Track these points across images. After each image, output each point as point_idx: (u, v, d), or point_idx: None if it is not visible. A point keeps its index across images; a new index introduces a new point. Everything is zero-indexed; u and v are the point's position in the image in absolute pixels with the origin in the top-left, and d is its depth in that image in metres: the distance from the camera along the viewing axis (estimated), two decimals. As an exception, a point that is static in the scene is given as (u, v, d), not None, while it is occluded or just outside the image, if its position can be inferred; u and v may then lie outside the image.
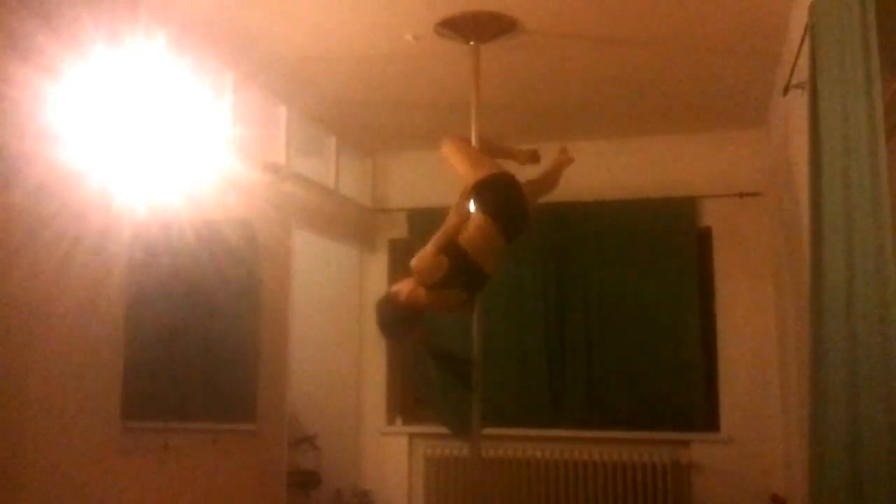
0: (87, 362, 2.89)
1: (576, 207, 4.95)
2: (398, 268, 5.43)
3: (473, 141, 3.37)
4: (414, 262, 2.91)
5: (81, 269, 2.83)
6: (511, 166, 3.36)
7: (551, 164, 3.57)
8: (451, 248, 2.93)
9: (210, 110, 3.64)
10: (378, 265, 5.38)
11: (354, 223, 5.22)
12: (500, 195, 3.09)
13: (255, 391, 4.03)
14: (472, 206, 3.10)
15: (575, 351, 4.90)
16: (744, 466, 4.60)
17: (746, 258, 4.78)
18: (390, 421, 5.24)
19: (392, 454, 5.16)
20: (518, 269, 4.89)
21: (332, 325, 5.29)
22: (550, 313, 4.93)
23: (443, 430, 5.00)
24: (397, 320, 3.00)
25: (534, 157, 3.57)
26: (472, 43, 3.39)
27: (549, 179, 3.57)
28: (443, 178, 3.55)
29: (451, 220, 3.01)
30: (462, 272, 2.95)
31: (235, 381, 3.95)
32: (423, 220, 4.76)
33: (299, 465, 4.94)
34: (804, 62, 2.73)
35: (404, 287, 2.96)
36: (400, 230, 5.29)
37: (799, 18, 2.90)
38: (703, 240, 4.86)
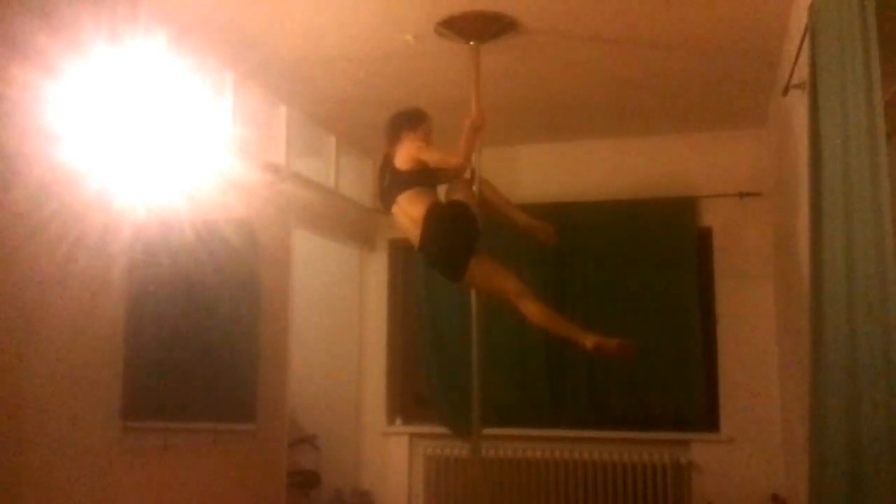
0: (88, 362, 2.89)
1: (576, 207, 4.94)
2: (398, 267, 5.44)
3: (475, 186, 3.43)
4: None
5: (81, 269, 2.82)
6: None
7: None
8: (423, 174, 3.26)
9: (210, 110, 3.63)
10: (378, 265, 5.37)
11: (354, 223, 5.22)
12: (440, 228, 3.21)
13: (255, 391, 4.03)
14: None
15: (575, 351, 4.84)
16: (744, 467, 4.60)
17: (746, 258, 4.77)
18: (390, 421, 5.24)
19: (392, 454, 5.16)
20: (517, 268, 4.87)
21: (332, 325, 5.29)
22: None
23: (443, 429, 5.00)
24: (390, 123, 3.45)
25: (547, 234, 3.53)
26: (472, 43, 3.39)
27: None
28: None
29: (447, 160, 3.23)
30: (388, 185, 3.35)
31: (235, 381, 3.94)
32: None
33: (299, 465, 4.94)
34: (804, 62, 2.73)
35: (428, 149, 3.31)
36: (400, 230, 5.28)
37: (799, 19, 2.90)
38: (703, 240, 4.86)
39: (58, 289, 2.74)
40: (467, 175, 3.47)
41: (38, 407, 2.67)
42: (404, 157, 3.29)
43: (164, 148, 3.18)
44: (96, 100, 2.86)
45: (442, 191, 3.44)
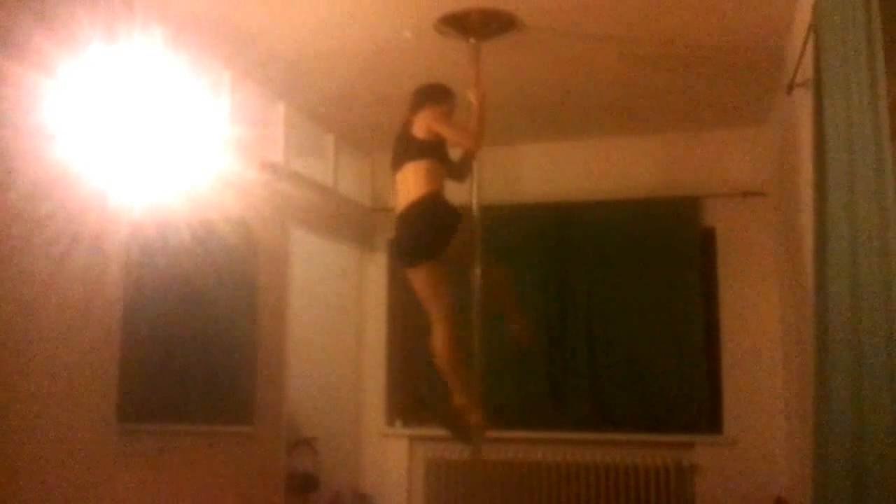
0: (84, 363, 2.87)
1: (577, 207, 4.92)
2: (398, 268, 5.41)
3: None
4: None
5: (78, 269, 2.80)
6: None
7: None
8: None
9: (207, 109, 3.61)
10: (378, 265, 5.35)
11: (353, 223, 5.19)
12: (422, 217, 3.28)
13: (253, 393, 4.00)
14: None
15: (576, 352, 4.87)
16: (747, 469, 4.56)
17: (750, 258, 4.74)
18: (390, 423, 5.21)
19: (392, 457, 5.13)
20: (519, 269, 4.86)
21: (331, 326, 5.26)
22: (552, 314, 4.90)
23: (443, 432, 4.97)
24: (417, 92, 3.43)
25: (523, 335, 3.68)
26: (472, 40, 3.36)
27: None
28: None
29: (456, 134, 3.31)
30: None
31: (233, 382, 3.92)
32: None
33: (297, 467, 4.91)
34: (808, 61, 2.71)
35: (448, 123, 3.33)
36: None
37: (803, 16, 2.87)
38: (707, 240, 4.83)
39: (54, 289, 2.72)
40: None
41: (33, 408, 2.65)
42: (423, 124, 3.33)
43: (161, 147, 3.16)
44: (93, 98, 2.85)
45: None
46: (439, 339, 3.30)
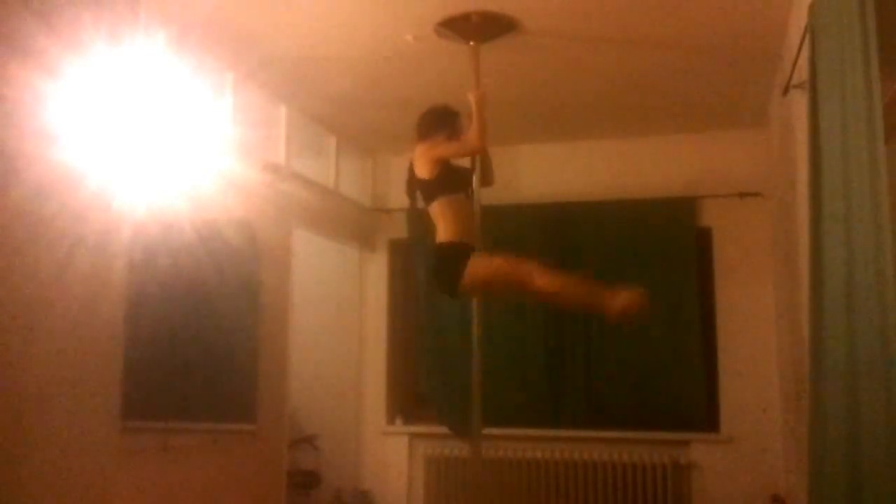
0: (87, 362, 2.88)
1: (575, 207, 4.94)
2: (398, 267, 5.44)
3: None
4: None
5: (81, 269, 2.81)
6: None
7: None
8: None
9: (210, 110, 3.63)
10: (378, 265, 5.37)
11: (354, 223, 5.22)
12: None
13: (255, 391, 4.03)
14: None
15: (575, 351, 4.89)
16: (744, 467, 4.60)
17: (746, 258, 4.77)
18: (390, 421, 5.24)
19: (392, 454, 5.16)
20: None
21: (332, 326, 5.29)
22: (550, 313, 4.92)
23: (443, 429, 5.00)
24: (424, 121, 3.35)
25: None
26: (471, 43, 3.39)
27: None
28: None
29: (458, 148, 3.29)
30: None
31: (235, 381, 3.95)
32: (423, 221, 4.76)
33: (299, 465, 4.94)
34: (804, 62, 2.73)
35: (441, 145, 3.25)
36: (400, 230, 5.29)
37: (799, 19, 2.90)
38: (703, 240, 4.86)
39: (57, 289, 2.73)
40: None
41: (37, 407, 2.66)
42: (420, 164, 3.27)
43: (164, 148, 3.17)
44: (96, 100, 2.85)
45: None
46: (543, 288, 3.10)
